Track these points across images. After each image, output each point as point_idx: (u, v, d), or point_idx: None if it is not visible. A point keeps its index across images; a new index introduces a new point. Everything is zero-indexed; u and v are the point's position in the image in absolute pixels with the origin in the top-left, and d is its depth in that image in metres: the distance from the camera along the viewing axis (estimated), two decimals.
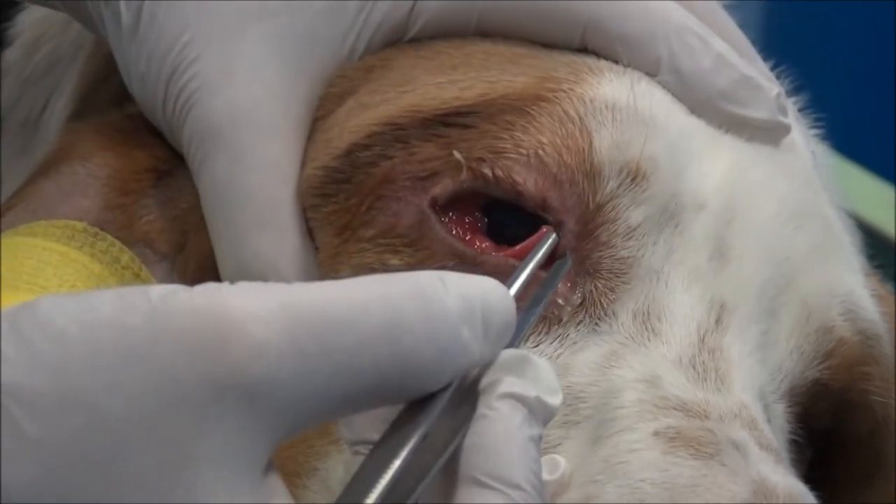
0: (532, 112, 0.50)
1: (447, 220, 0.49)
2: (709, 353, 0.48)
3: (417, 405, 0.38)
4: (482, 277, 0.40)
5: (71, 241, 0.48)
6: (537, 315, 0.45)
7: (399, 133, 0.50)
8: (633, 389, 0.46)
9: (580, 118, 0.50)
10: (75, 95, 0.64)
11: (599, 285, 0.49)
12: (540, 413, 0.39)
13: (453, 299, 0.38)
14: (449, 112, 0.50)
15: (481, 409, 0.39)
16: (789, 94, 0.62)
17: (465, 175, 0.49)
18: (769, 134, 0.52)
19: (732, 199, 0.50)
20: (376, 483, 0.36)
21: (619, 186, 0.49)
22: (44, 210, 0.51)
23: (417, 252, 0.49)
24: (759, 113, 0.51)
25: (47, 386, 0.33)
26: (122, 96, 0.57)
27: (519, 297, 0.41)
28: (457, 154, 0.49)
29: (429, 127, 0.50)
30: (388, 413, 0.38)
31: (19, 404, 0.33)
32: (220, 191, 0.50)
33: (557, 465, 0.44)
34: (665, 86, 0.51)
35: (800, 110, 0.62)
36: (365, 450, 0.39)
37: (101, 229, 0.50)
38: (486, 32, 0.53)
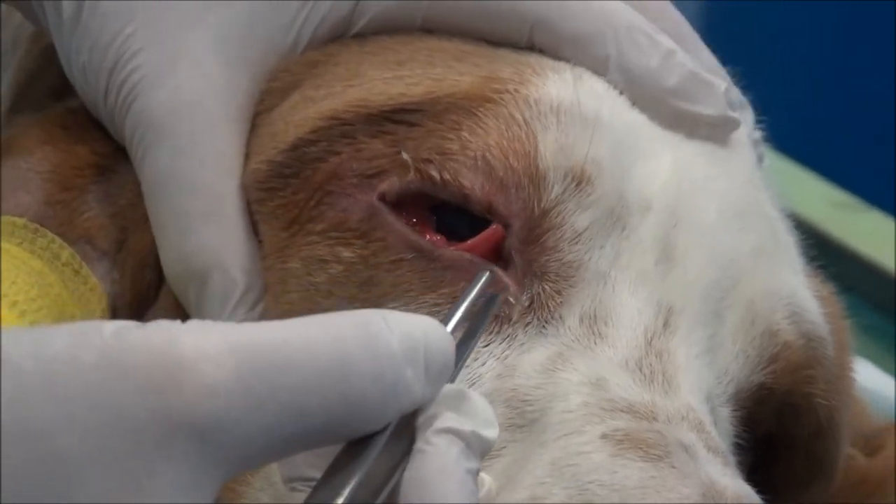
0: (478, 113, 0.49)
1: (398, 214, 0.49)
2: (656, 356, 0.47)
3: (357, 443, 0.38)
4: (422, 317, 0.40)
5: (11, 237, 0.48)
6: (472, 349, 0.45)
7: (345, 128, 0.50)
8: (578, 393, 0.45)
9: (526, 122, 0.49)
10: (13, 89, 0.63)
11: (547, 288, 0.49)
12: (476, 447, 0.40)
13: (397, 339, 0.38)
14: (395, 108, 0.50)
15: (419, 444, 0.39)
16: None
17: (412, 176, 0.49)
18: (719, 129, 0.52)
19: (677, 200, 0.50)
20: None
21: (563, 192, 0.49)
22: None
23: (370, 244, 0.49)
24: (708, 109, 0.51)
25: (4, 417, 0.33)
26: (61, 90, 0.57)
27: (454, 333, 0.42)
28: (404, 155, 0.49)
29: (375, 123, 0.50)
30: (325, 450, 0.39)
31: None
32: (163, 182, 0.49)
33: (482, 482, 0.43)
34: (613, 84, 0.51)
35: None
36: (301, 486, 0.40)
37: (42, 225, 0.50)
38: (432, 29, 0.52)
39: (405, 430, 0.40)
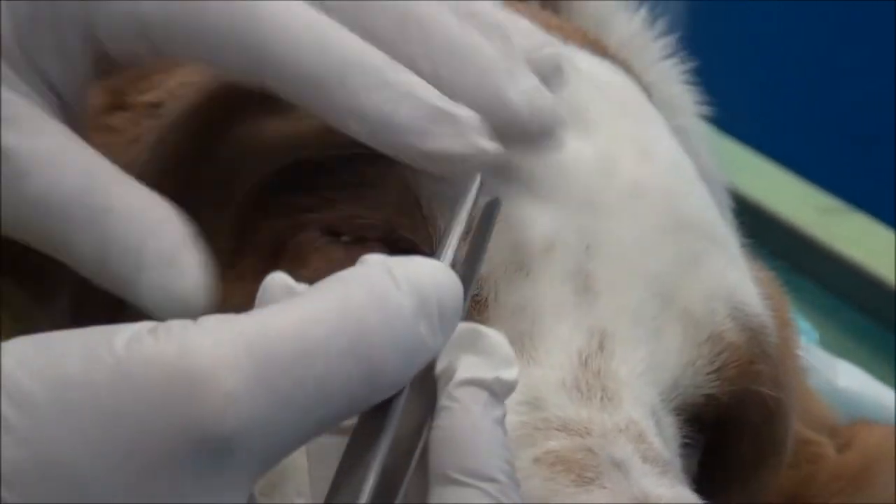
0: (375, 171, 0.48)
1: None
2: (593, 374, 0.46)
3: (378, 408, 0.38)
4: (426, 261, 0.39)
5: None
6: (478, 272, 0.43)
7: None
8: (515, 412, 0.44)
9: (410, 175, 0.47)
10: None
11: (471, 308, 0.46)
12: (501, 392, 0.39)
13: (406, 297, 0.37)
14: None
15: (443, 401, 0.39)
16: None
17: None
18: (464, 165, 0.45)
19: (589, 230, 0.48)
20: (361, 488, 0.36)
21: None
22: None
23: None
24: (453, 144, 0.44)
25: (22, 455, 0.33)
26: None
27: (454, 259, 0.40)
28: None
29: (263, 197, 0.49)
30: None
31: None
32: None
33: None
34: (347, 129, 0.45)
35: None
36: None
37: None
38: (160, 51, 0.46)
39: (424, 384, 0.39)
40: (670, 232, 0.50)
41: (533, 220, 0.48)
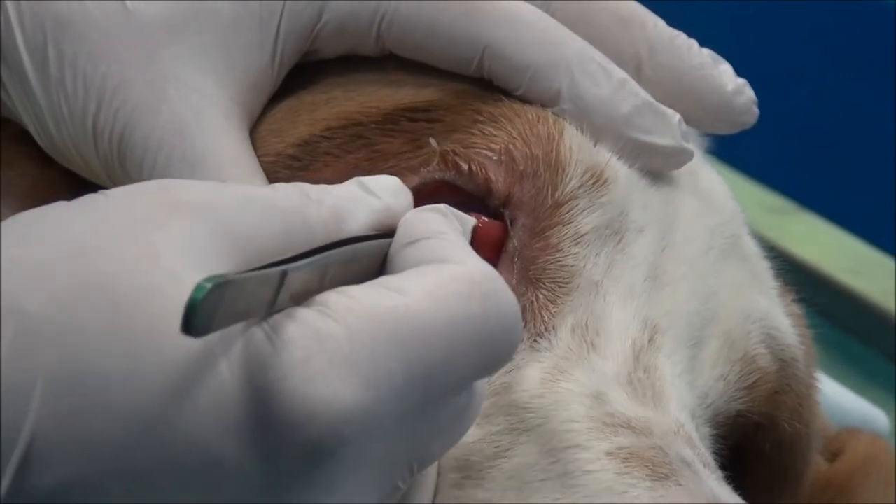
0: (503, 102, 0.50)
1: None
2: (644, 371, 0.47)
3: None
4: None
5: None
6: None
7: (359, 128, 0.50)
8: (580, 404, 0.45)
9: (552, 112, 0.50)
10: None
11: (541, 296, 0.48)
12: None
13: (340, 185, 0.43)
14: (410, 107, 0.50)
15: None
16: None
17: (436, 164, 0.48)
18: (672, 160, 0.51)
19: (669, 229, 0.50)
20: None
21: (580, 187, 0.49)
22: None
23: None
24: (662, 139, 0.50)
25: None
26: None
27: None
28: (432, 141, 0.48)
29: (391, 121, 0.49)
30: None
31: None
32: None
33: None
34: (565, 116, 0.50)
35: None
36: None
37: None
38: (386, 48, 0.51)
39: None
40: (730, 257, 0.52)
41: (640, 201, 0.50)
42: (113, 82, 0.49)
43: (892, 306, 1.05)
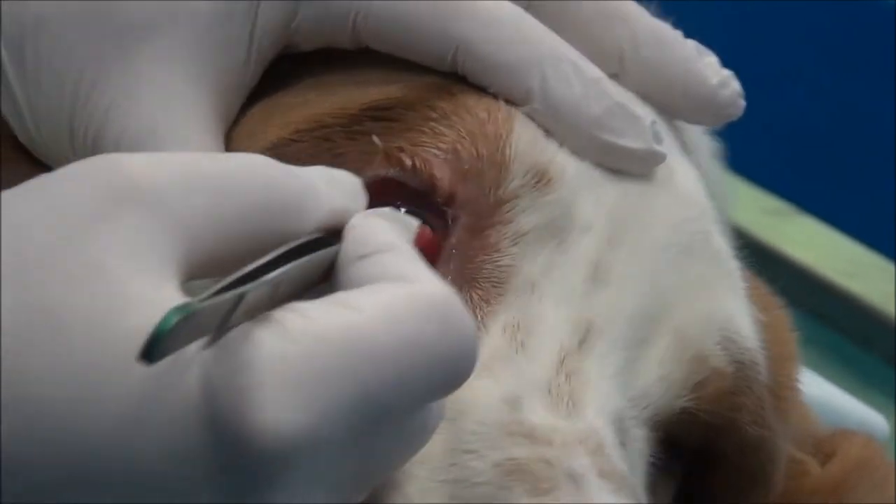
0: (459, 102, 0.49)
1: None
2: (566, 377, 0.46)
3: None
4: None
5: None
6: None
7: (325, 131, 0.49)
8: (495, 409, 0.45)
9: (506, 110, 0.49)
10: None
11: (475, 296, 0.48)
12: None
13: (306, 170, 0.42)
14: (374, 106, 0.49)
15: (347, 226, 0.42)
16: None
17: (380, 161, 0.48)
18: (643, 163, 0.50)
19: (620, 227, 0.49)
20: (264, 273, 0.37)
21: (521, 186, 0.48)
22: None
23: None
24: (633, 142, 0.49)
25: None
26: None
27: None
28: (375, 139, 0.48)
29: (355, 123, 0.49)
30: None
31: None
32: None
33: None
34: (535, 116, 0.49)
35: None
36: None
37: None
38: (362, 42, 0.51)
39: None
40: (685, 254, 0.51)
41: (590, 199, 0.49)
42: (88, 82, 0.48)
43: (891, 309, 1.05)
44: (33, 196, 0.37)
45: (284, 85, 0.52)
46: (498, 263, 0.48)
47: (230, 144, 0.50)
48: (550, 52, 0.49)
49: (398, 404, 0.37)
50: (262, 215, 0.39)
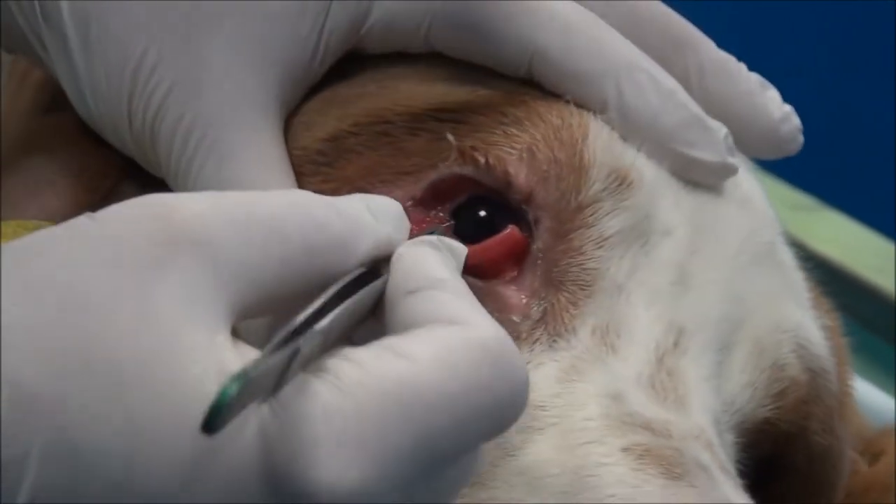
0: (529, 108, 0.49)
1: (414, 219, 0.48)
2: (667, 374, 0.47)
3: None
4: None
5: None
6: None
7: (386, 126, 0.49)
8: (598, 404, 0.45)
9: (578, 115, 0.49)
10: None
11: (563, 299, 0.48)
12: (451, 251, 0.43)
13: (349, 202, 0.42)
14: (439, 107, 0.49)
15: (395, 255, 0.42)
16: None
17: (454, 158, 0.48)
18: (716, 175, 0.51)
19: (699, 231, 0.50)
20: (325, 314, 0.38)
21: (603, 190, 0.49)
22: (11, 208, 0.50)
23: None
24: (707, 154, 0.50)
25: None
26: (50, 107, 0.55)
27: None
28: (449, 136, 0.48)
29: (419, 121, 0.49)
30: None
31: None
32: (215, 191, 0.47)
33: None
34: (611, 124, 0.50)
35: None
36: None
37: None
38: (433, 47, 0.51)
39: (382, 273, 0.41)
40: (763, 264, 0.52)
41: (668, 203, 0.50)
42: (150, 62, 0.49)
43: None
44: (85, 239, 0.36)
45: (342, 75, 0.52)
46: (584, 266, 0.48)
47: (287, 133, 0.50)
48: (627, 61, 0.50)
49: (453, 450, 0.38)
50: (312, 255, 0.39)
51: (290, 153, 0.50)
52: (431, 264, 0.41)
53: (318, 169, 0.49)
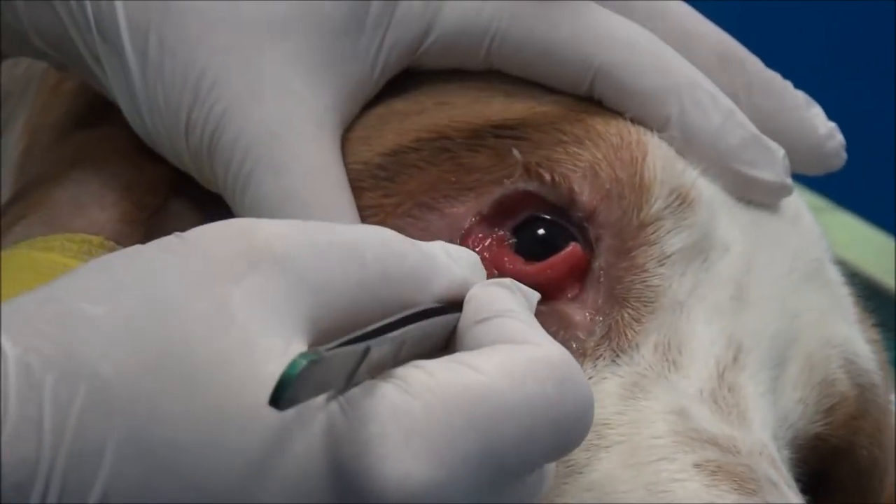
0: (587, 127, 0.49)
1: (476, 238, 0.48)
2: (728, 390, 0.47)
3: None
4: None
5: (88, 256, 0.46)
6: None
7: (447, 142, 0.49)
8: (664, 421, 0.45)
9: (637, 133, 0.50)
10: (28, 128, 0.60)
11: (626, 315, 0.48)
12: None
13: (426, 242, 0.42)
14: (499, 124, 0.49)
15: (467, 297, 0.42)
16: None
17: (519, 174, 0.48)
18: (774, 195, 0.52)
19: (754, 249, 0.51)
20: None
21: (665, 208, 0.49)
22: (58, 222, 0.49)
23: None
24: (767, 174, 0.51)
25: None
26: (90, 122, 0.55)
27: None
28: (515, 152, 0.49)
29: (478, 137, 0.49)
30: None
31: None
32: (273, 206, 0.48)
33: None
34: (671, 142, 0.50)
35: None
36: None
37: (118, 244, 0.48)
38: (493, 65, 0.51)
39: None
40: (813, 281, 0.52)
41: (726, 220, 0.50)
42: (210, 77, 0.48)
43: None
44: (171, 252, 0.37)
45: (397, 90, 0.52)
46: (647, 284, 0.49)
47: (344, 147, 0.50)
48: (688, 80, 0.50)
49: (519, 463, 0.38)
50: (388, 283, 0.40)
51: (349, 167, 0.50)
52: (502, 299, 0.42)
53: (379, 183, 0.49)
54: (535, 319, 0.42)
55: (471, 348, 0.40)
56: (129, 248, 0.38)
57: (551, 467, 0.41)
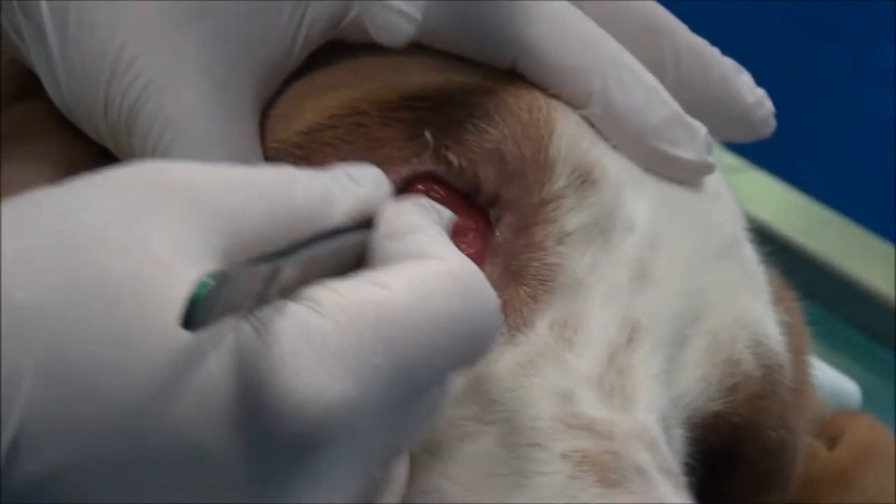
0: (500, 99, 0.49)
1: None
2: (617, 372, 0.47)
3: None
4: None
5: None
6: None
7: (361, 118, 0.49)
8: (548, 402, 0.45)
9: (547, 109, 0.49)
10: None
11: (522, 292, 0.48)
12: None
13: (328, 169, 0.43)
14: (412, 95, 0.49)
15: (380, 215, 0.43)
16: None
17: (428, 156, 0.48)
18: (695, 174, 0.51)
19: (661, 227, 0.50)
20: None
21: (567, 186, 0.49)
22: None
23: None
24: (688, 153, 0.50)
25: None
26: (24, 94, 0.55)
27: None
28: (427, 135, 0.48)
29: (392, 111, 0.49)
30: None
31: None
32: None
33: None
34: (592, 119, 0.50)
35: None
36: None
37: None
38: (416, 40, 0.50)
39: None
40: (726, 258, 0.52)
41: (633, 199, 0.50)
42: (129, 54, 0.48)
43: (852, 268, 1.05)
44: (84, 188, 0.38)
45: (318, 62, 0.51)
46: (544, 262, 0.49)
47: (267, 124, 0.50)
48: (612, 58, 0.50)
49: (427, 376, 0.39)
50: (295, 210, 0.40)
51: (268, 146, 0.50)
52: (412, 214, 0.43)
53: (296, 162, 0.49)
54: (444, 234, 0.42)
55: (382, 264, 0.40)
56: (43, 188, 0.38)
57: (454, 381, 0.42)
